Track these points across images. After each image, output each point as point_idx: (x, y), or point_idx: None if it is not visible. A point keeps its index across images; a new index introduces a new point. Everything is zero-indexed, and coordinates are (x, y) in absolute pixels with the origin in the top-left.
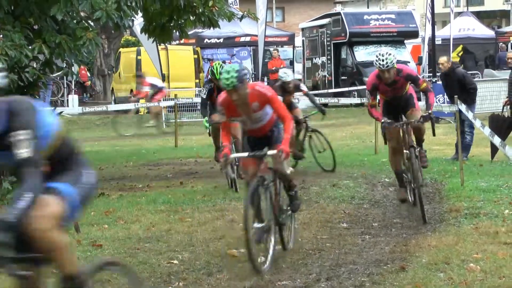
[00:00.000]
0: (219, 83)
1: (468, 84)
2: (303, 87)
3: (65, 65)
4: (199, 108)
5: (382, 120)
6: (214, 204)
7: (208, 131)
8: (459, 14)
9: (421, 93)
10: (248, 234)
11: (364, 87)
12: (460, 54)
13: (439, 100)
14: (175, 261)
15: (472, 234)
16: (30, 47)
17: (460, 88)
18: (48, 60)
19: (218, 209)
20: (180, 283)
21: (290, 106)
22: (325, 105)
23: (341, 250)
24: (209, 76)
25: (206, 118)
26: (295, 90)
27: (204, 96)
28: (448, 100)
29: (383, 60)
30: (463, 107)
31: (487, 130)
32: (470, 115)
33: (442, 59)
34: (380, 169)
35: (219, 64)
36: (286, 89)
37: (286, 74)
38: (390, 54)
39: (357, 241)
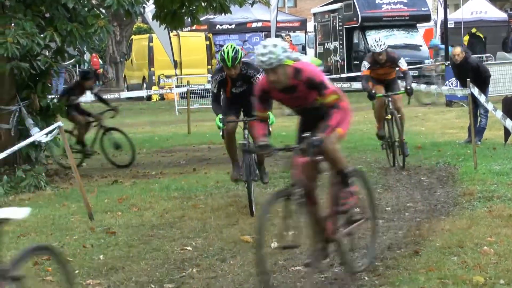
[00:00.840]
0: (231, 72)
1: (483, 73)
2: (403, 63)
3: (76, 53)
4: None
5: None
6: (227, 190)
7: (221, 133)
8: None
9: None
10: None
11: None
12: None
13: (452, 84)
14: (189, 248)
15: (485, 217)
16: (41, 35)
17: (474, 77)
18: (59, 48)
19: (231, 195)
20: (194, 270)
21: (393, 81)
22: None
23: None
24: (219, 64)
25: (220, 116)
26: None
27: (215, 90)
28: (460, 85)
29: (263, 55)
30: (475, 91)
31: (499, 113)
32: (482, 98)
33: (457, 50)
34: None
35: (231, 47)
36: (377, 61)
37: (376, 43)
38: (276, 46)
39: (370, 225)
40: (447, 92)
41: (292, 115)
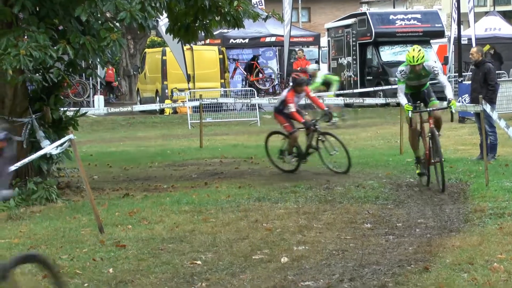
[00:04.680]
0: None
1: (490, 80)
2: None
3: (88, 65)
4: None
5: None
6: (238, 204)
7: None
8: (485, 13)
9: None
10: None
11: (390, 87)
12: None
13: (464, 100)
14: (198, 262)
15: (496, 234)
16: (54, 48)
17: (483, 83)
18: (72, 60)
19: (242, 209)
20: (203, 284)
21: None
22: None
23: (364, 250)
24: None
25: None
26: None
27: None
28: (470, 95)
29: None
30: (487, 107)
31: (511, 131)
32: (495, 115)
33: (473, 49)
34: (405, 169)
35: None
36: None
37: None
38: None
39: (380, 241)
40: (460, 109)
41: None
